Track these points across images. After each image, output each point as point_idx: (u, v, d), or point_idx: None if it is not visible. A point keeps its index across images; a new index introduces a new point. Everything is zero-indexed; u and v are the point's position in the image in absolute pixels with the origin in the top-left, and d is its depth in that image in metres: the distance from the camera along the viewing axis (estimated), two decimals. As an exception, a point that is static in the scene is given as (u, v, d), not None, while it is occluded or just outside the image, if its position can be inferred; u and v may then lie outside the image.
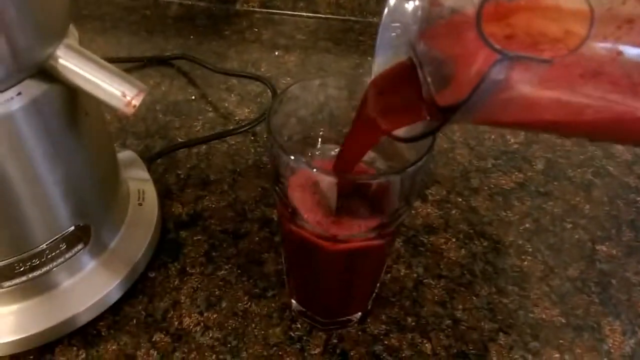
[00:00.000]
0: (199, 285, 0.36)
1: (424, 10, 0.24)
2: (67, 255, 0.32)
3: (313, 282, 0.32)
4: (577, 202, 0.44)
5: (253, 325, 0.34)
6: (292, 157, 0.24)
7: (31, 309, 0.32)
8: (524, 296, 0.37)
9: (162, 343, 0.33)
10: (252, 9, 0.67)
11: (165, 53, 0.58)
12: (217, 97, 0.53)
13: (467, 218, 0.42)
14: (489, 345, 0.34)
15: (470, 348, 0.34)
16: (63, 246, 0.31)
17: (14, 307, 0.31)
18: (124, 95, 0.27)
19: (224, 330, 0.34)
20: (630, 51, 0.18)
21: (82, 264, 0.33)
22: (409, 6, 0.24)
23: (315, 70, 0.58)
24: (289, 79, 0.56)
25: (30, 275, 0.31)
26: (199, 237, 0.39)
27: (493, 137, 0.50)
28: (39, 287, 0.32)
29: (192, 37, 0.62)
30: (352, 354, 0.33)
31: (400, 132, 0.24)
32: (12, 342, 0.31)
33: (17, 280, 0.30)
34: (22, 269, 0.30)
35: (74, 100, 0.28)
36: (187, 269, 0.37)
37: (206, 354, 0.32)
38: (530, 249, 0.40)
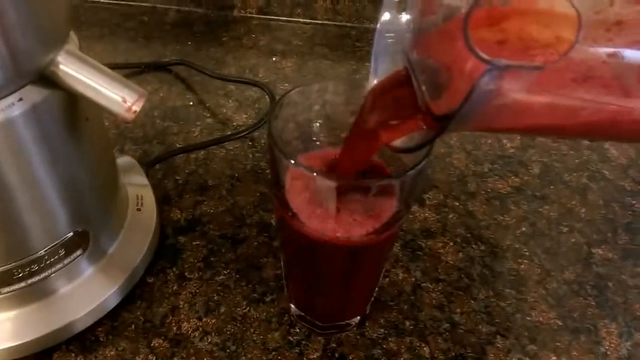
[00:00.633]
0: (198, 291, 0.36)
1: (415, 20, 0.24)
2: (65, 261, 0.32)
3: (312, 286, 0.32)
4: (573, 205, 0.44)
5: (252, 330, 0.34)
6: (293, 161, 0.24)
7: (29, 315, 0.32)
8: (521, 299, 0.37)
9: (161, 348, 0.33)
10: (249, 15, 0.68)
11: (163, 59, 0.59)
12: (215, 103, 0.53)
13: (465, 222, 0.42)
14: (487, 348, 0.34)
15: (468, 351, 0.34)
16: (62, 252, 0.31)
17: (12, 313, 0.31)
18: (125, 101, 0.27)
19: (222, 335, 0.34)
20: (621, 53, 0.18)
21: (80, 269, 0.33)
22: (403, 17, 0.25)
23: (312, 76, 0.58)
24: (286, 84, 0.56)
25: (29, 281, 0.31)
26: (198, 243, 0.39)
27: (489, 141, 0.50)
28: (37, 293, 0.32)
29: (189, 43, 0.62)
30: (350, 358, 0.33)
31: (398, 142, 0.24)
32: (10, 348, 0.31)
33: (15, 286, 0.30)
34: (20, 275, 0.30)
35: (74, 106, 0.29)
36: (186, 274, 0.37)
37: (205, 359, 0.32)
38: (527, 253, 0.40)
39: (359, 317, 0.34)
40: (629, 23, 0.18)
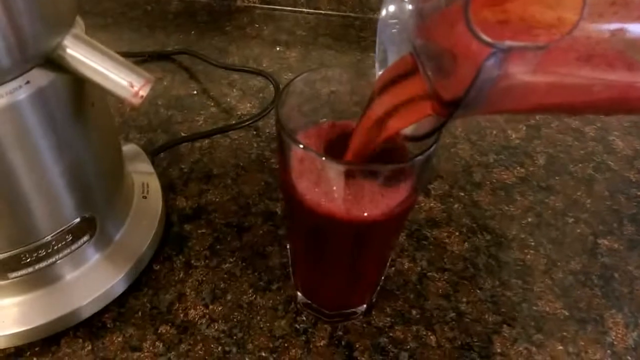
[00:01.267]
0: (204, 278, 0.36)
1: (417, 4, 0.24)
2: (72, 247, 0.32)
3: (319, 273, 0.32)
4: (579, 196, 0.44)
5: (258, 317, 0.34)
6: (302, 146, 0.24)
7: (36, 300, 0.32)
8: (527, 289, 0.37)
9: (168, 335, 0.33)
10: (252, 4, 0.67)
11: (166, 48, 0.58)
12: (219, 92, 0.53)
13: (470, 212, 0.42)
14: (493, 337, 0.34)
15: (475, 340, 0.34)
16: (69, 238, 0.31)
17: (19, 299, 0.31)
18: (131, 86, 0.27)
19: (229, 323, 0.34)
20: (625, 29, 0.18)
21: (87, 256, 0.33)
22: (407, 5, 0.24)
23: (316, 66, 0.58)
24: (290, 74, 0.56)
25: (36, 267, 0.30)
26: (203, 231, 0.39)
27: (494, 132, 0.50)
28: (44, 279, 0.32)
29: (193, 32, 0.62)
30: (357, 346, 0.33)
31: (407, 130, 0.24)
32: (17, 333, 0.31)
33: (23, 272, 0.30)
34: (28, 260, 0.30)
35: (80, 91, 0.28)
36: (192, 261, 0.37)
37: (212, 345, 0.32)
38: (532, 243, 0.40)
39: (365, 306, 0.34)
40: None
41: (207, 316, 0.34)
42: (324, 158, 0.24)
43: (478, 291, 0.37)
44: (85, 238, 0.32)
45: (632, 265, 0.39)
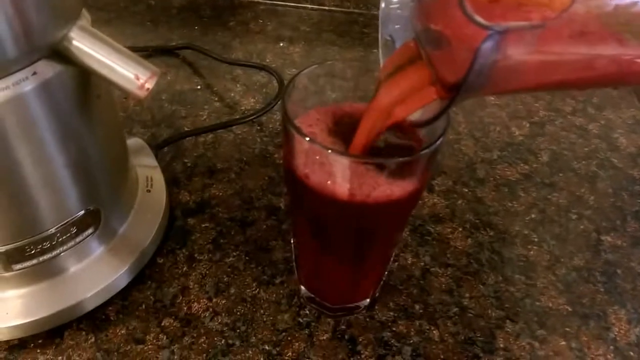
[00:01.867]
0: (208, 272, 0.36)
1: None
2: (77, 240, 0.32)
3: (323, 266, 0.32)
4: (582, 193, 0.44)
5: (262, 311, 0.34)
6: (308, 139, 0.24)
7: (40, 292, 0.32)
8: (531, 285, 0.37)
9: (172, 328, 0.33)
10: (256, 0, 0.67)
11: (170, 43, 0.58)
12: (223, 87, 0.53)
13: (473, 208, 0.42)
14: (496, 332, 0.34)
15: (478, 335, 0.34)
16: (74, 230, 0.31)
17: (23, 291, 0.31)
18: (137, 78, 0.27)
19: (232, 316, 0.34)
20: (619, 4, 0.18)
21: (91, 249, 0.33)
22: None
23: (320, 62, 0.57)
24: (294, 69, 0.56)
25: (40, 259, 0.30)
26: (207, 225, 0.39)
27: (498, 129, 0.50)
28: (49, 271, 0.32)
29: (196, 27, 0.62)
30: (360, 340, 0.33)
31: (413, 116, 0.24)
32: (21, 325, 0.31)
33: (27, 263, 0.30)
34: (32, 252, 0.30)
35: (86, 83, 0.28)
36: (196, 255, 0.37)
37: (215, 338, 0.33)
38: (536, 239, 0.40)
39: (368, 300, 0.34)
40: None
41: (211, 309, 0.34)
42: (330, 151, 0.24)
43: (481, 286, 0.37)
44: (89, 231, 0.32)
45: (635, 262, 0.39)
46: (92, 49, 0.26)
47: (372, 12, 0.66)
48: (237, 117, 0.49)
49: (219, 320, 0.33)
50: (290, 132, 0.25)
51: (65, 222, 0.30)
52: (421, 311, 0.35)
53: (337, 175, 0.24)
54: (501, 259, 0.39)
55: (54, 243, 0.30)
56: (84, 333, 0.32)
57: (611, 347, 0.33)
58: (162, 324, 0.33)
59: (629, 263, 0.39)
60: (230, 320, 0.34)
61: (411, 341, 0.33)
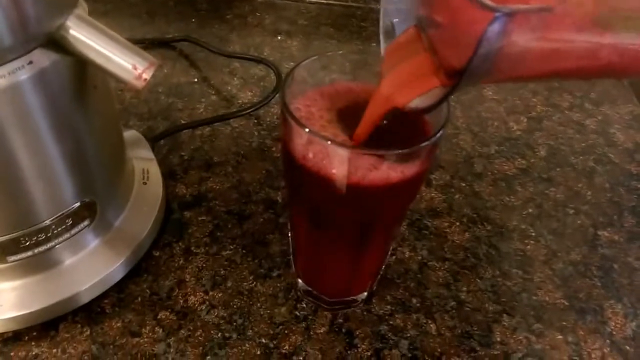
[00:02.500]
0: (204, 265, 0.36)
1: None
2: (72, 232, 0.31)
3: (320, 259, 0.32)
4: (580, 188, 0.44)
5: (258, 304, 0.34)
6: (307, 130, 0.24)
7: (35, 284, 0.31)
8: (528, 279, 0.37)
9: (168, 321, 0.33)
10: (254, -7, 0.67)
11: (167, 35, 0.58)
12: (220, 80, 0.53)
13: (471, 202, 0.42)
14: (493, 326, 0.34)
15: (475, 329, 0.34)
16: (69, 222, 0.31)
17: (17, 283, 0.31)
18: (135, 68, 0.26)
19: (229, 309, 0.34)
20: None
21: (86, 241, 0.33)
22: None
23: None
24: (292, 63, 0.55)
25: (35, 251, 0.30)
26: (204, 218, 0.39)
27: (496, 124, 0.50)
28: (44, 263, 0.31)
29: (193, 20, 0.61)
30: (357, 333, 0.33)
31: (414, 103, 0.24)
32: (15, 317, 0.30)
33: (22, 255, 0.30)
34: (27, 244, 0.30)
35: (82, 73, 0.28)
36: (192, 248, 0.37)
37: (212, 331, 0.32)
38: (533, 234, 0.40)
39: (365, 294, 0.34)
40: None
41: (207, 302, 0.34)
42: (329, 142, 0.23)
43: (478, 281, 0.37)
44: (85, 223, 0.32)
45: (632, 257, 0.39)
46: (89, 38, 0.26)
47: (369, 5, 0.66)
48: (234, 110, 0.48)
49: (216, 314, 0.33)
50: (290, 123, 0.25)
51: (60, 213, 0.30)
52: (418, 305, 0.35)
53: (336, 162, 0.24)
54: (498, 253, 0.39)
55: (49, 235, 0.30)
56: (79, 326, 0.32)
57: (607, 341, 0.34)
58: (158, 317, 0.33)
59: (625, 258, 0.39)
60: (227, 313, 0.33)
61: (408, 335, 0.33)
